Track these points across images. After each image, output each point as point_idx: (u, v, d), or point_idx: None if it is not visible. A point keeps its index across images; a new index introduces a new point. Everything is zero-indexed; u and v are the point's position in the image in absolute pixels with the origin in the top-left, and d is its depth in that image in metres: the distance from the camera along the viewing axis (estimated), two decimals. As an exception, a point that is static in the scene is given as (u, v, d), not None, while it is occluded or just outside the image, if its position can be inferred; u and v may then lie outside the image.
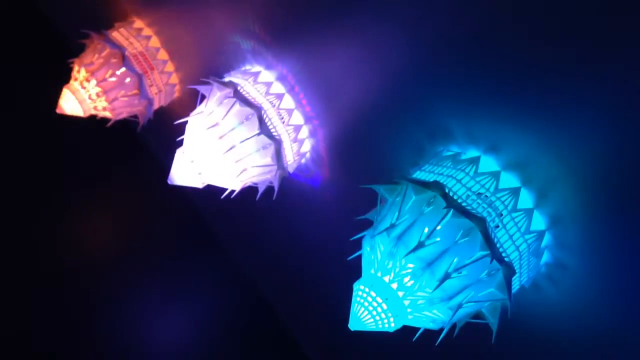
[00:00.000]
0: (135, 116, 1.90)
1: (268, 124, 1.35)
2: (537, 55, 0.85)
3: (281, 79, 1.42)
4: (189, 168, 1.32)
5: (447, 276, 0.89)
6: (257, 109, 1.30)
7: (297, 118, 1.42)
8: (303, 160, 1.54)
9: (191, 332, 2.57)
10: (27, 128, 2.57)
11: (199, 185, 1.36)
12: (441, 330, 0.96)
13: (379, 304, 0.93)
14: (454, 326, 0.97)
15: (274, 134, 1.36)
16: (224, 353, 2.54)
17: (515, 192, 0.98)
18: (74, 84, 1.74)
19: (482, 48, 0.93)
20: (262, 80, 1.42)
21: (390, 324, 0.94)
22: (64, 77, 1.76)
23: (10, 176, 2.52)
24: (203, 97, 1.39)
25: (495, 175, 0.99)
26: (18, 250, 2.44)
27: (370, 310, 0.93)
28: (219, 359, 2.54)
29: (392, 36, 1.10)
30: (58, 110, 1.75)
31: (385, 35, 1.11)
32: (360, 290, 0.95)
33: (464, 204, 0.95)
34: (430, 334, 0.98)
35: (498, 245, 0.94)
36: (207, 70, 1.66)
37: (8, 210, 2.48)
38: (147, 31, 1.84)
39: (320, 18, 1.24)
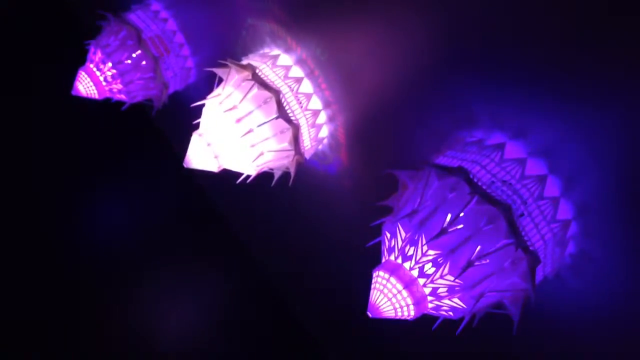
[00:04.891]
0: (151, 100, 1.89)
1: (286, 108, 1.33)
2: (568, 38, 0.82)
3: (300, 62, 1.39)
4: (206, 151, 1.30)
5: (469, 264, 0.87)
6: (276, 93, 1.28)
7: (316, 103, 1.39)
8: (320, 147, 1.51)
9: (201, 321, 2.57)
10: (42, 109, 2.57)
11: (215, 169, 1.34)
12: (461, 319, 0.94)
13: (399, 292, 0.91)
14: (474, 316, 0.95)
15: (291, 118, 1.34)
16: (238, 340, 2.54)
17: (541, 179, 0.95)
18: (90, 65, 1.73)
19: (510, 31, 0.90)
20: (281, 63, 1.40)
21: (409, 312, 0.92)
22: (80, 59, 1.74)
23: (25, 157, 2.52)
24: (220, 80, 1.37)
25: (522, 162, 0.96)
26: (31, 233, 2.44)
27: (390, 298, 0.91)
28: (234, 345, 2.53)
29: (415, 19, 1.07)
30: (74, 92, 1.75)
31: (408, 19, 1.08)
32: (379, 277, 0.93)
33: (488, 191, 0.93)
34: (450, 324, 0.96)
35: (523, 234, 0.92)
36: (224, 54, 1.64)
37: (20, 192, 2.48)
38: (164, 14, 1.82)
39: (341, 0, 1.22)
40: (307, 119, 1.38)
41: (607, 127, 0.85)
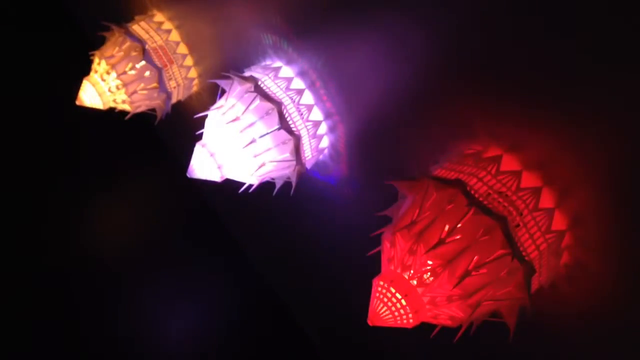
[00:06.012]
0: (153, 110, 1.92)
1: (288, 119, 1.35)
2: (563, 52, 0.85)
3: (302, 74, 1.42)
4: (209, 161, 1.33)
5: (467, 274, 0.89)
6: (278, 104, 1.31)
7: (317, 114, 1.42)
8: (321, 157, 1.54)
9: (201, 330, 2.58)
10: (46, 119, 2.60)
11: (217, 179, 1.37)
12: (459, 328, 0.96)
13: (398, 300, 0.93)
14: (471, 324, 0.97)
15: (293, 129, 1.36)
16: (238, 344, 2.55)
17: (536, 191, 0.98)
18: (94, 76, 1.76)
19: (506, 44, 0.93)
20: (283, 75, 1.42)
21: (409, 321, 0.94)
22: (85, 69, 1.77)
23: (29, 166, 2.54)
24: (223, 92, 1.40)
25: (517, 174, 0.99)
26: (32, 237, 2.46)
27: (390, 306, 0.94)
28: (234, 348, 2.54)
29: (415, 32, 1.09)
30: (78, 102, 1.77)
31: (407, 31, 1.11)
32: (379, 286, 0.95)
33: (485, 202, 0.95)
34: (448, 332, 0.98)
35: (519, 244, 0.94)
36: (226, 65, 1.67)
37: (24, 201, 2.50)
38: (167, 25, 1.85)
39: (342, 13, 1.24)
40: (308, 129, 1.40)
41: (600, 140, 0.87)
